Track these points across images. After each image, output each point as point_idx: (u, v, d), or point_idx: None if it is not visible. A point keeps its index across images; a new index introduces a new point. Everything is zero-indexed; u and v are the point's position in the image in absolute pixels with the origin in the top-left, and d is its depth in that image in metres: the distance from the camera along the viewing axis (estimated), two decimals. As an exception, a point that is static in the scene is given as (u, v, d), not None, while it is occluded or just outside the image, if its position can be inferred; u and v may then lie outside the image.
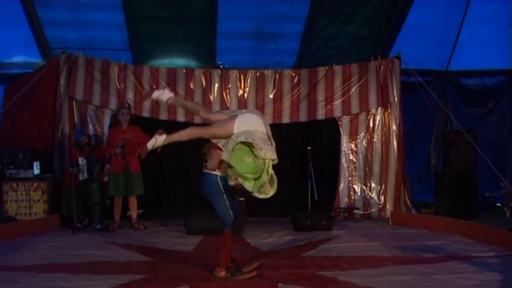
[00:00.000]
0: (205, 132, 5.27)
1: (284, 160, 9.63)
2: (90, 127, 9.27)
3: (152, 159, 9.38)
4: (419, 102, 9.60)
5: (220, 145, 5.27)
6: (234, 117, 5.20)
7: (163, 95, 5.54)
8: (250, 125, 5.11)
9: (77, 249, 6.86)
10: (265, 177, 4.94)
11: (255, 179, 4.94)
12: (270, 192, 5.09)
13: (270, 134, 5.22)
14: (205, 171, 5.55)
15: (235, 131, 5.06)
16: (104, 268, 5.86)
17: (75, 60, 9.13)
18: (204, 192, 5.57)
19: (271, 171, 5.06)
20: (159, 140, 5.29)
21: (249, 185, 4.94)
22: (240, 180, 4.96)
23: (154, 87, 9.25)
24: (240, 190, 5.07)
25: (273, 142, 5.19)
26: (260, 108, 9.41)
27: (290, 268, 5.86)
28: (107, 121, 9.30)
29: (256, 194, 5.04)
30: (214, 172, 5.43)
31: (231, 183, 5.09)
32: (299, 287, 5.20)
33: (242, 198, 5.79)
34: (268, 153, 5.00)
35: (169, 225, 8.70)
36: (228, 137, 5.11)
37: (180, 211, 8.97)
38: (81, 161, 8.39)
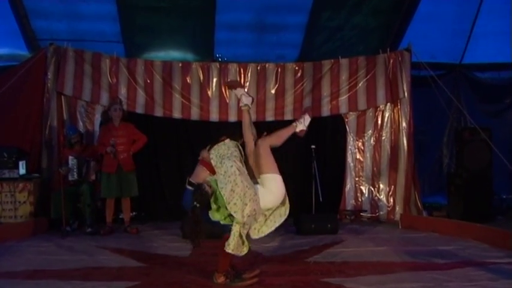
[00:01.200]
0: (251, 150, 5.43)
1: (286, 159, 9.72)
2: (80, 124, 9.25)
3: (147, 158, 9.44)
4: (430, 98, 9.57)
5: (214, 164, 5.29)
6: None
7: (249, 97, 5.70)
8: (271, 203, 5.36)
9: (66, 254, 6.85)
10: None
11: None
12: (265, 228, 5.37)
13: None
14: (188, 187, 5.54)
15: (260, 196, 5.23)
16: (95, 274, 5.85)
17: (64, 53, 9.12)
18: (186, 209, 5.46)
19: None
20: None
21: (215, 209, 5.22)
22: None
23: (148, 81, 9.26)
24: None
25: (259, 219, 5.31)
26: (261, 104, 9.43)
27: (293, 274, 5.85)
28: (97, 118, 9.28)
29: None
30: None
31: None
32: (303, 294, 5.20)
33: None
34: (241, 214, 5.07)
35: (164, 228, 8.70)
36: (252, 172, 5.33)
37: (176, 214, 8.94)
38: (71, 160, 8.38)
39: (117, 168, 8.31)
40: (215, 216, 5.22)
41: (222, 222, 5.23)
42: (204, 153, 5.63)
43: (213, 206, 5.23)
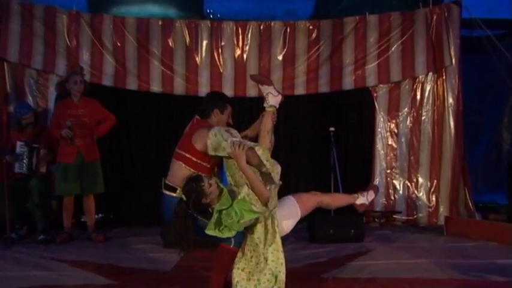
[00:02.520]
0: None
1: (298, 145, 9.76)
2: (29, 99, 9.26)
3: (116, 145, 9.41)
4: (486, 66, 9.58)
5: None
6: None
7: (278, 96, 5.75)
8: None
9: (12, 268, 6.81)
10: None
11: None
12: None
13: None
14: (165, 192, 5.49)
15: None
16: (49, 295, 5.84)
17: (7, 7, 9.11)
18: (168, 220, 5.46)
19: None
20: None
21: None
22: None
23: (119, 44, 9.22)
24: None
25: None
26: (265, 73, 9.43)
27: (306, 295, 5.84)
28: (52, 92, 9.29)
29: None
30: (175, 194, 5.38)
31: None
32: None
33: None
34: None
35: (139, 235, 8.73)
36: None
37: (155, 216, 8.94)
38: (21, 146, 8.37)
39: (77, 158, 8.27)
40: (210, 229, 5.16)
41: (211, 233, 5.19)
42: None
43: (214, 216, 5.18)
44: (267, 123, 5.73)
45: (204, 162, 5.34)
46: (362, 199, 6.02)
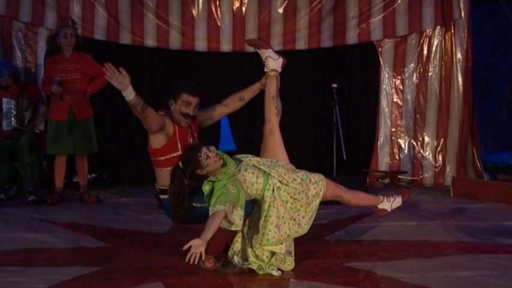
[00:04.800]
0: None
1: (299, 103, 9.73)
2: (18, 54, 9.25)
3: (110, 102, 9.37)
4: (497, 19, 9.48)
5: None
6: None
7: (278, 60, 5.74)
8: None
9: (0, 230, 6.81)
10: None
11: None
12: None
13: None
14: (161, 197, 5.51)
15: None
16: (39, 258, 5.80)
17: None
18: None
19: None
20: None
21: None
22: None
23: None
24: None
25: None
26: (264, 28, 9.46)
27: (307, 257, 5.82)
28: (42, 46, 9.24)
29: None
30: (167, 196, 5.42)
31: None
32: (320, 283, 5.16)
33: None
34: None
35: (133, 196, 8.74)
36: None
37: (149, 176, 8.92)
38: (7, 103, 8.33)
39: (68, 115, 8.23)
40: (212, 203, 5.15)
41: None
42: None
43: (206, 188, 5.18)
44: (270, 88, 5.73)
45: (176, 153, 5.36)
46: (386, 205, 5.95)
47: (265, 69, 5.75)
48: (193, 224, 5.45)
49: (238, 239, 5.27)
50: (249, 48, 9.17)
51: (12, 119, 8.35)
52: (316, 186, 5.31)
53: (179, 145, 5.34)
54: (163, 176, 5.41)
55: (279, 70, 5.73)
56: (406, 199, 6.03)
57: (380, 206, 5.93)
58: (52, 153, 8.40)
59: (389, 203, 5.94)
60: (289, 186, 5.20)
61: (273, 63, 5.75)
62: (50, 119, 8.34)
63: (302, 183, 5.24)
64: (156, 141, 5.33)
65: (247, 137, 9.74)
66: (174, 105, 5.41)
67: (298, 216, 5.28)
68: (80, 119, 8.30)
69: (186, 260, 4.74)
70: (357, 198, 5.83)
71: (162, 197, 5.51)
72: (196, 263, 4.82)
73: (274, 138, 5.62)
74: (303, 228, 5.32)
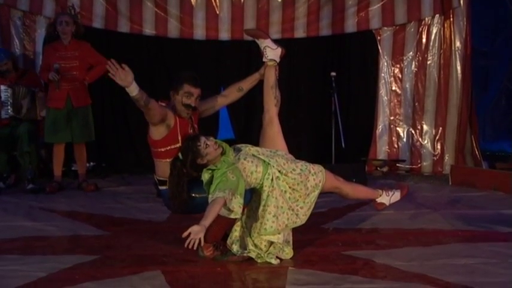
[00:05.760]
0: None
1: (297, 92, 9.71)
2: (16, 42, 9.24)
3: (108, 91, 9.36)
4: (497, 7, 9.44)
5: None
6: None
7: (276, 49, 5.75)
8: None
9: (-1, 219, 6.85)
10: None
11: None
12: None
13: None
14: (161, 188, 5.53)
15: None
16: (38, 246, 5.80)
17: None
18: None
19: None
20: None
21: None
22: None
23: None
24: None
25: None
26: (263, 16, 9.43)
27: (305, 245, 5.83)
28: (40, 34, 9.24)
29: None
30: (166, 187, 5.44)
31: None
32: (318, 271, 5.15)
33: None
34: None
35: (132, 184, 8.75)
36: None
37: (149, 165, 8.93)
38: (4, 91, 8.33)
39: (66, 103, 8.22)
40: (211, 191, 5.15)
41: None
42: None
43: (205, 176, 5.19)
44: (269, 78, 5.73)
45: (176, 144, 5.35)
46: (384, 199, 5.93)
47: (264, 59, 5.74)
48: (192, 214, 5.45)
49: (237, 228, 5.27)
50: (248, 37, 9.20)
51: (9, 107, 8.34)
52: (316, 177, 5.31)
53: (179, 137, 5.34)
54: (163, 167, 5.41)
55: (278, 60, 5.72)
56: (405, 194, 6.02)
57: (378, 200, 5.91)
58: (50, 142, 8.40)
59: (387, 197, 5.92)
60: (288, 177, 5.20)
61: (272, 53, 5.74)
62: (47, 106, 8.34)
63: (301, 173, 5.24)
64: (157, 132, 5.33)
65: (246, 127, 9.74)
66: (176, 96, 5.41)
67: (296, 206, 5.27)
68: (77, 107, 8.28)
69: (185, 245, 4.73)
70: (355, 191, 5.84)
71: (161, 188, 5.52)
72: (195, 248, 4.81)
73: (273, 128, 5.62)
74: (301, 219, 5.31)
